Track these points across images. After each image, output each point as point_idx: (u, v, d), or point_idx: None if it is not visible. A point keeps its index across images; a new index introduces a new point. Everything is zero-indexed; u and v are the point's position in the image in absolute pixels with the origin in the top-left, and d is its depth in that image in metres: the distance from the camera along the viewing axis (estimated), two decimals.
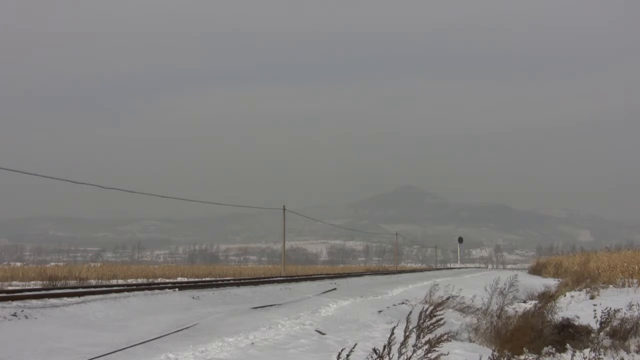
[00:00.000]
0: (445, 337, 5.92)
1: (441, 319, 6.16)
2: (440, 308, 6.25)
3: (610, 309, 16.00)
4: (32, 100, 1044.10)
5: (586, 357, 9.99)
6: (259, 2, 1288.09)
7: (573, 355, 9.84)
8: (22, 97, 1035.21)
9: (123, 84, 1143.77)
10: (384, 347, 5.64)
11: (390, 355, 5.62)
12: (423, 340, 5.85)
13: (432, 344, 5.76)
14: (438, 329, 6.21)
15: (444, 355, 5.88)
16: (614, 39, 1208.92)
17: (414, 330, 5.97)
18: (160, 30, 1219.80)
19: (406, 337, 5.74)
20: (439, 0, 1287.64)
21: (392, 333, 5.77)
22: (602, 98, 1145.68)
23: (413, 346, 5.83)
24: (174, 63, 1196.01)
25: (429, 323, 6.00)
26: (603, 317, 15.17)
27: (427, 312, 6.13)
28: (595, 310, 16.58)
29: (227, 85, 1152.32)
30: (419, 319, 6.08)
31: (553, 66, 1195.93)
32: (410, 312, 6.31)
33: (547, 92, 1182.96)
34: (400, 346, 5.71)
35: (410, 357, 5.75)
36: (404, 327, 5.94)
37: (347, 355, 5.54)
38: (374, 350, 5.66)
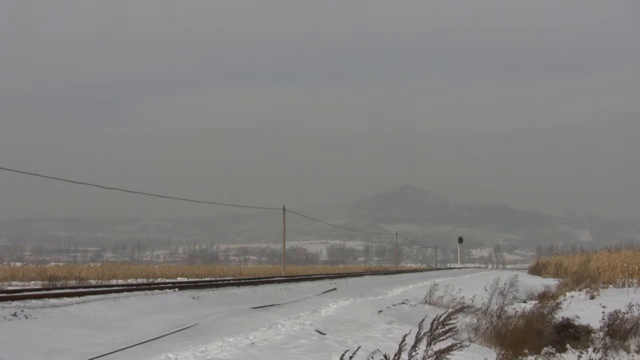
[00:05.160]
0: (457, 346, 5.82)
1: (454, 327, 6.07)
2: (454, 315, 6.13)
3: (619, 311, 15.98)
4: (32, 100, 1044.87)
5: (590, 358, 9.99)
6: (259, 2, 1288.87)
7: (580, 357, 9.83)
8: (22, 97, 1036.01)
9: (122, 83, 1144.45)
10: (395, 355, 5.56)
11: None
12: (434, 349, 5.76)
13: (442, 352, 5.66)
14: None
15: None
16: (614, 39, 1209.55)
17: (425, 336, 5.89)
18: (160, 30, 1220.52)
19: (416, 343, 5.66)
20: (439, 0, 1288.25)
21: (404, 340, 5.67)
22: (602, 98, 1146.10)
23: (425, 351, 5.76)
24: (174, 63, 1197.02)
25: (440, 331, 5.90)
26: (611, 319, 15.16)
27: (440, 320, 6.02)
28: (603, 312, 16.60)
29: (227, 85, 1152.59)
30: (431, 326, 5.97)
31: (553, 66, 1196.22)
32: (424, 319, 6.21)
33: (547, 92, 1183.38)
34: (410, 350, 5.65)
35: None
36: (416, 332, 5.86)
37: (350, 358, 5.50)
38: (385, 356, 5.59)
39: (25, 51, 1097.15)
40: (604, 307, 21.07)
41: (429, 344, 5.81)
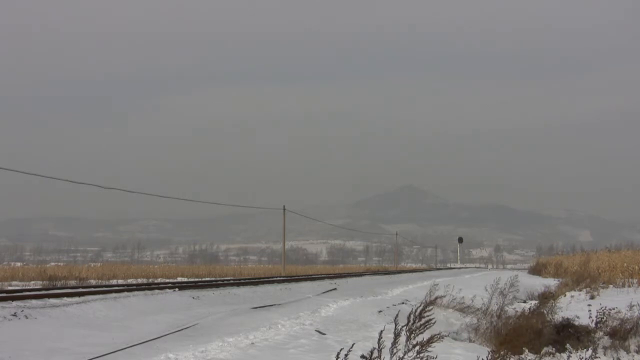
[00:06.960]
0: (436, 337, 5.87)
1: (431, 319, 6.11)
2: (429, 308, 6.19)
3: (605, 307, 16.05)
4: (32, 100, 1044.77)
5: (584, 358, 9.99)
6: (259, 2, 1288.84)
7: (569, 356, 9.82)
8: (22, 97, 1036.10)
9: (122, 83, 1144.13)
10: (371, 351, 5.61)
11: (382, 358, 5.59)
12: (413, 342, 5.80)
13: (423, 345, 5.72)
14: (434, 326, 6.17)
15: (433, 357, 5.83)
16: (614, 39, 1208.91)
17: (404, 331, 5.93)
18: (160, 30, 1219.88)
19: (396, 338, 5.69)
20: (440, 0, 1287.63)
21: (380, 336, 5.72)
22: (602, 98, 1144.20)
23: (405, 345, 5.79)
24: (174, 63, 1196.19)
25: (418, 324, 5.94)
26: (598, 316, 15.21)
27: (417, 313, 6.08)
28: (590, 310, 16.62)
29: (227, 85, 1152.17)
30: (408, 320, 6.03)
31: (553, 66, 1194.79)
32: (398, 313, 6.24)
33: (547, 92, 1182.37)
34: (391, 346, 5.68)
35: (402, 359, 5.72)
36: (393, 329, 5.89)
37: (346, 355, 5.52)
38: (362, 356, 5.62)
39: (25, 51, 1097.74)
40: (589, 305, 21.12)
41: (408, 338, 5.85)
